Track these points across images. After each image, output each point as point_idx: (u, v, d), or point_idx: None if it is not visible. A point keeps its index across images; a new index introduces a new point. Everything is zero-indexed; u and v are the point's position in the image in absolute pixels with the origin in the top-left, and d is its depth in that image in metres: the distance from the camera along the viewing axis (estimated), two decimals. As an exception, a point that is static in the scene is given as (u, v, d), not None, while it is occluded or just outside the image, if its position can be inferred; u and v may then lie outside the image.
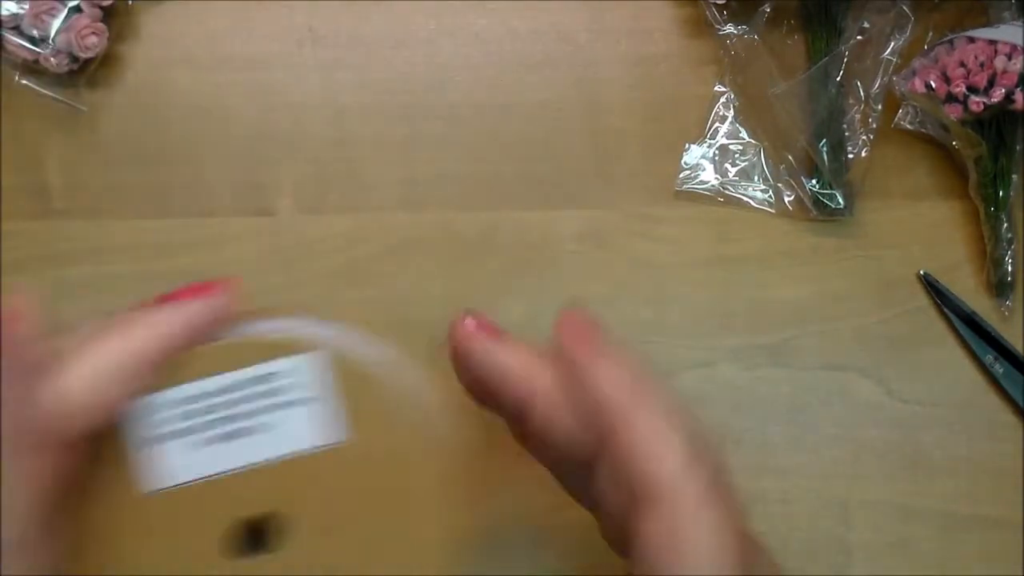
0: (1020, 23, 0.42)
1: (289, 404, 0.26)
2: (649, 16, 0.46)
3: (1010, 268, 0.43)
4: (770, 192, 0.45)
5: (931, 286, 0.44)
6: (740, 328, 0.44)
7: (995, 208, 0.43)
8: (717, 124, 0.46)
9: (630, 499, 0.26)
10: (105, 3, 0.44)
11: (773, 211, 0.45)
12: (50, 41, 0.43)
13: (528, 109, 0.46)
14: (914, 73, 0.43)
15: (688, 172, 0.45)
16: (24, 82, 0.45)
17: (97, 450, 0.26)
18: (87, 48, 0.44)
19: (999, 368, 0.43)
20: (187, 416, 0.26)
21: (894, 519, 0.42)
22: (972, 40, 0.42)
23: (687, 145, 0.46)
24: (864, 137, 0.45)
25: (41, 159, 0.45)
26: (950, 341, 0.44)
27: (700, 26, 0.46)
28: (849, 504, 0.42)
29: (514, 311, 0.44)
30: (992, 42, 0.42)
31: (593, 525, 0.29)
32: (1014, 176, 0.43)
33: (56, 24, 0.43)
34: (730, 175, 0.45)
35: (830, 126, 0.44)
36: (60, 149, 0.46)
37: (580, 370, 0.27)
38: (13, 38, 0.43)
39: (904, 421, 0.43)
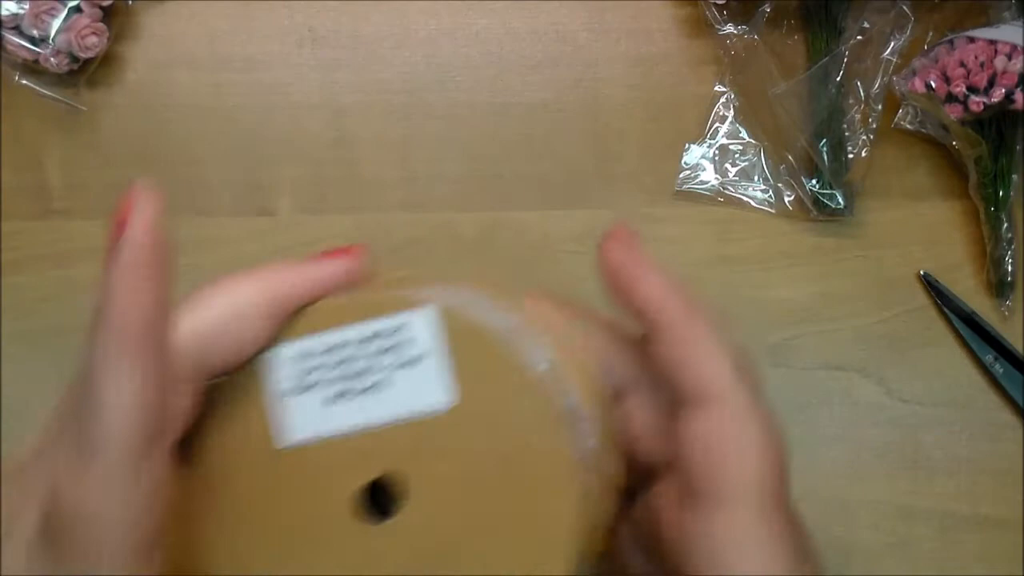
0: (1020, 23, 0.42)
1: (415, 360, 0.25)
2: (649, 16, 0.46)
3: (1010, 268, 0.43)
4: (770, 192, 0.45)
5: (931, 286, 0.44)
6: (740, 328, 0.44)
7: (995, 208, 0.43)
8: (717, 124, 0.46)
9: (671, 406, 0.26)
10: (105, 3, 0.44)
11: (773, 211, 0.45)
12: (50, 41, 0.43)
13: (528, 109, 0.46)
14: (914, 73, 0.43)
15: (688, 172, 0.45)
16: (24, 82, 0.45)
17: (211, 406, 0.25)
18: (87, 48, 0.44)
19: (999, 368, 0.43)
20: (313, 370, 0.25)
21: (894, 519, 0.42)
22: (972, 40, 0.42)
23: (687, 145, 0.46)
24: (864, 137, 0.45)
25: (41, 159, 0.45)
26: (950, 341, 0.44)
27: (700, 26, 0.46)
28: (849, 504, 0.42)
29: (514, 311, 0.44)
30: (992, 42, 0.42)
31: None
32: (1014, 176, 0.43)
33: (56, 24, 0.43)
34: (730, 175, 0.45)
35: (830, 126, 0.44)
36: (60, 149, 0.46)
37: (628, 275, 0.28)
38: (13, 38, 0.43)
39: (904, 421, 0.43)
